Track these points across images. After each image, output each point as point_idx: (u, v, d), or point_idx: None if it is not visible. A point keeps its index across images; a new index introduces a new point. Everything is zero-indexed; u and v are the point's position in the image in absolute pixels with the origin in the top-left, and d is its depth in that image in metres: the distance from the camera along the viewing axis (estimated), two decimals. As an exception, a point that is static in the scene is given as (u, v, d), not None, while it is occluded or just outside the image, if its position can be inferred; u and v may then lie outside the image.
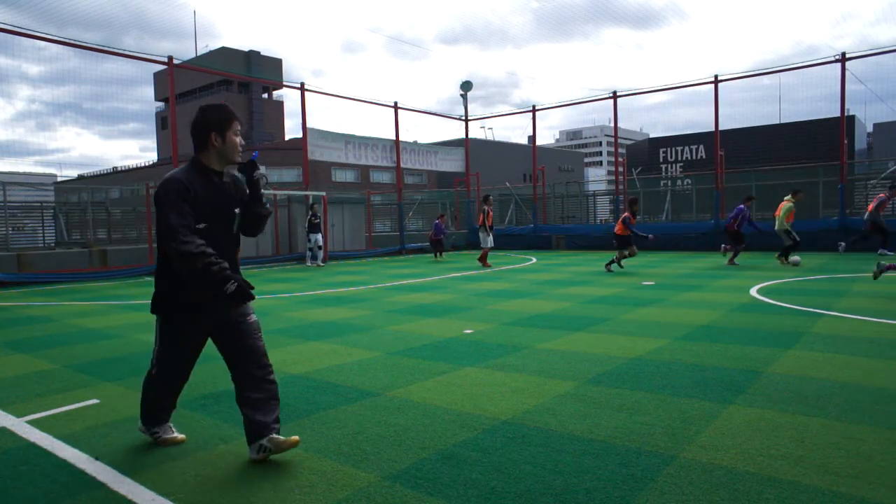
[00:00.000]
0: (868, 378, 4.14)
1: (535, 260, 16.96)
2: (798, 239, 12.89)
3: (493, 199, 16.13)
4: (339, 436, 3.34)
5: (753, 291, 8.80)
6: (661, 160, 33.50)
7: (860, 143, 35.46)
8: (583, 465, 2.85)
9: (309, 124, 20.73)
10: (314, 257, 17.20)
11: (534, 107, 23.97)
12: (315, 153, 19.77)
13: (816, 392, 3.87)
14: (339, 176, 50.98)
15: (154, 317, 3.03)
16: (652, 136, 40.86)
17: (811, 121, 28.22)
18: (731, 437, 3.15)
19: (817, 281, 9.98)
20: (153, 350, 3.10)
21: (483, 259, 15.10)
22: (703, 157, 30.15)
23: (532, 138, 25.95)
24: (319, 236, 17.21)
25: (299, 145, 21.95)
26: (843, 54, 16.97)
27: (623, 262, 13.12)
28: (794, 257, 12.47)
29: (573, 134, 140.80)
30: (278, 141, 60.99)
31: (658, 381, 4.25)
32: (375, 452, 3.10)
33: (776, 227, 13.20)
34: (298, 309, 8.43)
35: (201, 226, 2.77)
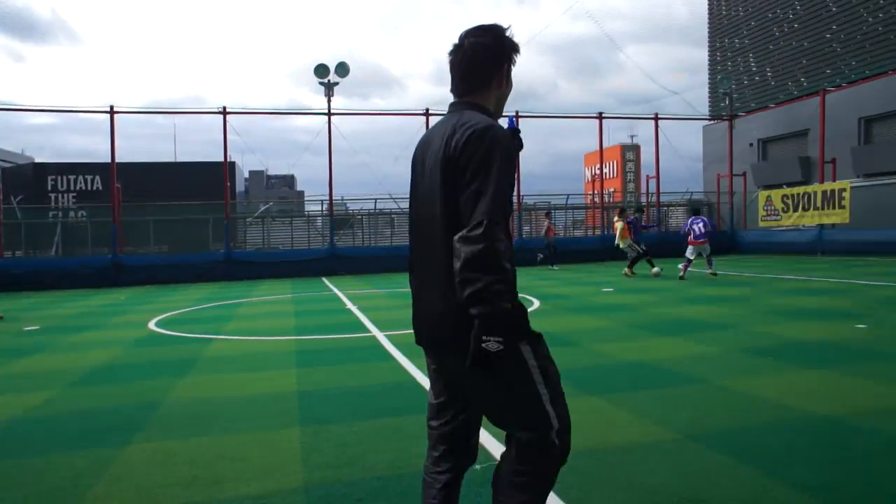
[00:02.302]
0: (243, 389, 4.79)
1: None
2: (645, 248, 14.42)
3: None
4: None
5: (151, 324, 8.87)
6: (50, 189, 29.85)
7: (240, 186, 40.93)
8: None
9: None
10: None
11: None
12: None
13: (208, 412, 4.20)
14: None
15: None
16: (38, 160, 35.97)
17: (201, 162, 30.76)
18: (129, 478, 3.07)
19: (208, 309, 10.91)
20: (540, 404, 1.74)
21: None
22: (101, 188, 28.53)
23: None
24: None
25: None
26: (225, 108, 19.31)
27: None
28: (655, 269, 13.89)
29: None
30: None
31: (41, 440, 3.75)
32: None
33: (621, 246, 14.57)
34: None
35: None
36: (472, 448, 1.97)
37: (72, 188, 29.07)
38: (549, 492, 1.83)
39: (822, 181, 20.46)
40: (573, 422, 3.69)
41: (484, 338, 1.56)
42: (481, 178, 1.63)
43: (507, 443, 1.85)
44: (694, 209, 14.63)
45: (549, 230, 19.13)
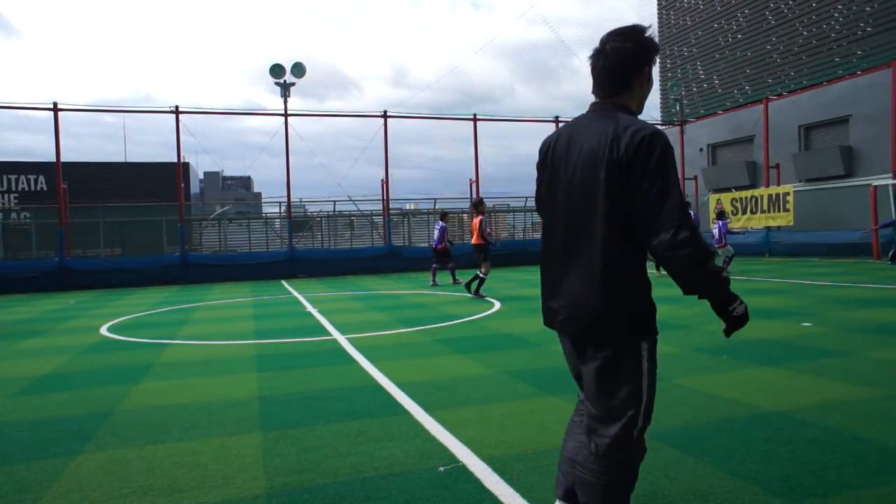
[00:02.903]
0: (201, 395, 4.68)
1: None
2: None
3: None
4: None
5: (103, 330, 8.57)
6: (-10, 188, 28.53)
7: (195, 187, 39.90)
8: None
9: None
10: None
11: None
12: None
13: (163, 419, 4.09)
14: None
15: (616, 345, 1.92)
16: (-27, 159, 34.28)
17: (154, 163, 29.90)
18: (80, 490, 2.96)
19: (163, 313, 10.61)
20: (639, 402, 1.93)
21: None
22: (45, 188, 27.43)
23: None
24: None
25: None
26: (177, 107, 18.81)
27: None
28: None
29: None
30: None
31: (-14, 451, 3.57)
32: None
33: None
34: None
35: None
36: None
37: (13, 188, 27.81)
38: (632, 487, 2.00)
39: (767, 185, 21.29)
40: (537, 420, 3.75)
41: (730, 308, 1.81)
42: (660, 182, 1.77)
43: (589, 438, 1.98)
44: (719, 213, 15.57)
45: None
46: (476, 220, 11.31)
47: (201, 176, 52.93)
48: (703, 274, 1.78)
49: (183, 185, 19.87)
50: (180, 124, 18.76)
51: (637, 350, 1.91)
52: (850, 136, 21.50)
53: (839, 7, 23.54)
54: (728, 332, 1.87)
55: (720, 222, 14.50)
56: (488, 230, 11.69)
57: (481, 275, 10.92)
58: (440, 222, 14.78)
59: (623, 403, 1.91)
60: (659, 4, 35.30)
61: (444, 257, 14.50)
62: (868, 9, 22.44)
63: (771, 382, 4.45)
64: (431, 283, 14.40)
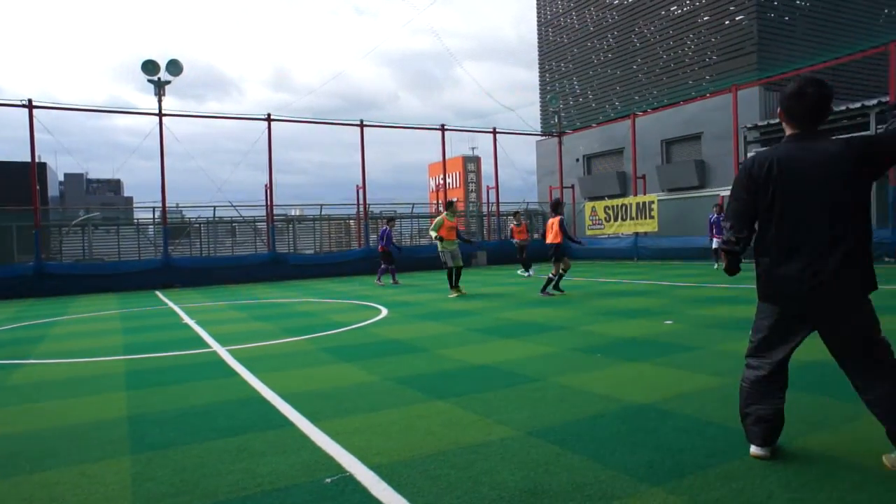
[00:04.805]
0: (59, 419, 4.27)
1: None
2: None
3: None
4: None
5: (-63, 352, 7.53)
6: None
7: (53, 190, 36.26)
8: None
9: None
10: None
11: None
12: None
13: (9, 451, 3.67)
14: None
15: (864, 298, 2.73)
16: None
17: (2, 162, 26.81)
18: None
19: (13, 329, 9.52)
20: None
21: None
22: None
23: None
24: None
25: None
26: (30, 101, 17.03)
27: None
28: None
29: None
30: None
31: None
32: None
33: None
34: None
35: None
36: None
37: None
38: None
39: (635, 194, 23.03)
40: (424, 426, 3.79)
41: None
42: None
43: (876, 368, 2.68)
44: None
45: (515, 233, 17.00)
46: (554, 220, 11.36)
47: (61, 178, 48.20)
48: None
49: (38, 187, 17.96)
50: (34, 120, 17.00)
51: (869, 303, 2.71)
52: (703, 151, 23.82)
53: (691, 35, 26.07)
54: None
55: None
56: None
57: (551, 275, 11.32)
58: (385, 226, 15.90)
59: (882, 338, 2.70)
60: (538, 21, 37.10)
61: (387, 258, 15.15)
62: (713, 39, 25.02)
63: (638, 377, 4.82)
64: (390, 282, 15.43)
